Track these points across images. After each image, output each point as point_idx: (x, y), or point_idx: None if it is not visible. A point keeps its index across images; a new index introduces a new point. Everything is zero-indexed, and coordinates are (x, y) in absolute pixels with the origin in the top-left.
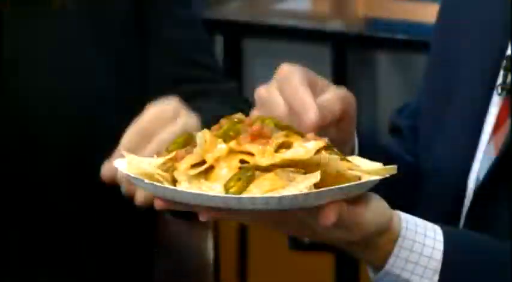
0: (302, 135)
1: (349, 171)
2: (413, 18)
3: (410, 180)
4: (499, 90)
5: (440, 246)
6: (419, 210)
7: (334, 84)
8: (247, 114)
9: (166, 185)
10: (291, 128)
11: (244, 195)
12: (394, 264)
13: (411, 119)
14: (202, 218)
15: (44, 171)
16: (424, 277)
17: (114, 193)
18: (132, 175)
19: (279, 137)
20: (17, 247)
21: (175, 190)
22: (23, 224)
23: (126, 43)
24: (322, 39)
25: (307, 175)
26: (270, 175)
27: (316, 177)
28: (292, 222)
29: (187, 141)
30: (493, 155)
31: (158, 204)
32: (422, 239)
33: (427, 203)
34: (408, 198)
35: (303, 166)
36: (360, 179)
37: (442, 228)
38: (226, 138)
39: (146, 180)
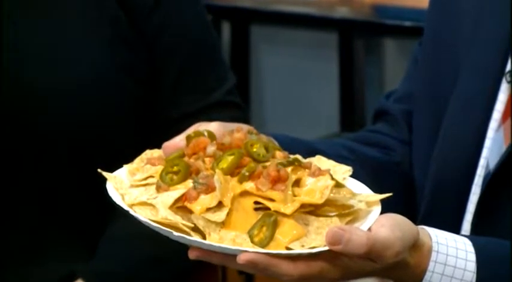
0: (299, 162)
1: (349, 202)
2: (420, 5)
3: (405, 171)
4: (508, 78)
5: (472, 257)
6: (423, 199)
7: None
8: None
9: (199, 238)
10: (281, 150)
11: (283, 251)
12: (430, 280)
13: (402, 104)
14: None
15: (47, 161)
16: None
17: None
18: (156, 225)
19: (293, 177)
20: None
21: (211, 245)
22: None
23: (132, 37)
24: (330, 26)
25: (322, 218)
26: (289, 221)
27: (336, 222)
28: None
29: (184, 176)
30: (502, 142)
31: (193, 255)
32: (454, 252)
33: (432, 190)
34: (399, 188)
35: (313, 204)
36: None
37: (469, 238)
38: (240, 178)
39: (175, 233)
